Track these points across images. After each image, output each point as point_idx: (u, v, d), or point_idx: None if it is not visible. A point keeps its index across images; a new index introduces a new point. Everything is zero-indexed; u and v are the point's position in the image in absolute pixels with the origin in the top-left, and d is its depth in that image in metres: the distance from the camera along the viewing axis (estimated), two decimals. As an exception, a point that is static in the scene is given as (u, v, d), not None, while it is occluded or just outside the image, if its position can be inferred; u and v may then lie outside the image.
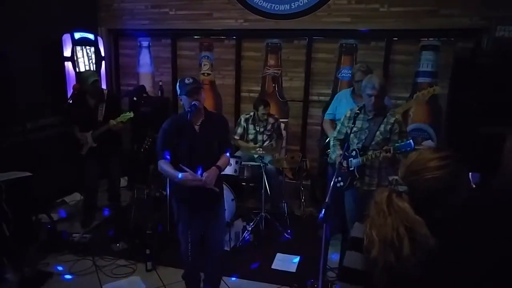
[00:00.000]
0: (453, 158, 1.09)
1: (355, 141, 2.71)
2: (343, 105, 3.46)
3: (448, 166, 1.07)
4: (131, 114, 3.64)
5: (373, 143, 2.64)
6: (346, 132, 2.78)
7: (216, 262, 2.65)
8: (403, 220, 1.04)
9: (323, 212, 2.06)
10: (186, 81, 2.34)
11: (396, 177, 1.15)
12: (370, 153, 2.61)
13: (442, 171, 1.07)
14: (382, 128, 2.63)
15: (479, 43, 3.94)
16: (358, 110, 2.74)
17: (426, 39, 4.18)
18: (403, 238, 1.02)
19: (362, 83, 2.69)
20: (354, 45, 4.41)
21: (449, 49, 4.09)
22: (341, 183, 2.77)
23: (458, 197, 1.06)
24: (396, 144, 2.44)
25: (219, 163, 2.40)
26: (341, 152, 2.74)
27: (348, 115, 2.81)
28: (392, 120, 2.63)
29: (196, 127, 2.38)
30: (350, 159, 2.70)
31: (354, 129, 2.72)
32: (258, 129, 4.12)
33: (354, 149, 2.70)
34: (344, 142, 2.78)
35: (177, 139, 2.34)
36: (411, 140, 2.39)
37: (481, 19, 3.87)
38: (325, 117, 3.68)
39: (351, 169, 2.70)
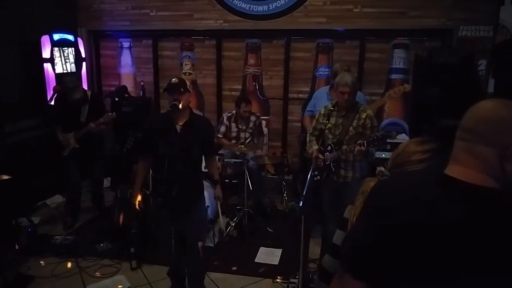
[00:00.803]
0: (436, 151, 1.12)
1: (330, 136, 2.83)
2: (321, 102, 3.57)
3: (429, 160, 1.10)
4: (114, 115, 3.67)
5: (346, 137, 2.76)
6: (321, 128, 2.88)
7: (197, 259, 2.67)
8: None
9: (301, 204, 2.18)
10: (172, 80, 2.41)
11: (382, 169, 1.17)
12: (344, 147, 2.73)
13: (423, 164, 1.10)
14: (354, 123, 2.76)
15: (444, 42, 4.18)
16: (332, 107, 2.85)
17: (402, 38, 4.37)
18: None
19: (335, 81, 2.80)
20: (330, 44, 4.56)
21: (418, 47, 4.29)
22: (318, 177, 2.88)
23: None
24: (370, 138, 2.56)
25: (216, 175, 2.64)
26: (317, 147, 2.85)
27: (322, 112, 2.92)
28: (364, 115, 2.75)
29: (178, 127, 2.42)
30: (326, 154, 2.82)
31: (329, 125, 2.82)
32: (240, 127, 4.20)
33: (329, 144, 2.82)
34: (319, 138, 2.89)
35: (158, 138, 2.39)
36: (382, 134, 2.54)
37: (448, 20, 4.10)
38: (304, 114, 3.80)
39: (327, 163, 2.82)
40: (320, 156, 2.81)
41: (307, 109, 3.76)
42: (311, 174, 2.58)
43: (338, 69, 3.47)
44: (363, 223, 0.96)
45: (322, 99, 3.59)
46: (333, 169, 2.81)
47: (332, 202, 2.92)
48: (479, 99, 0.91)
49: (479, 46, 4.03)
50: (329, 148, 2.81)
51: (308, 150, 2.98)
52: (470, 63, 3.40)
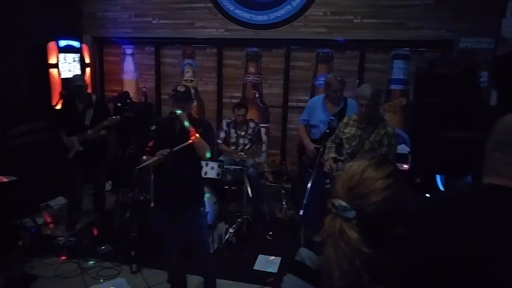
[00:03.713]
0: (395, 175, 1.04)
1: (346, 146, 2.81)
2: (316, 111, 3.62)
3: (393, 185, 1.00)
4: (118, 118, 3.76)
5: (361, 150, 2.72)
6: (341, 137, 2.89)
7: (208, 256, 2.80)
8: (355, 252, 0.92)
9: (301, 213, 2.21)
10: (179, 88, 2.52)
11: (341, 202, 0.98)
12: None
13: (386, 192, 0.99)
14: (372, 137, 2.71)
15: (444, 53, 4.23)
16: (355, 117, 2.82)
17: (402, 48, 4.39)
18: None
19: (356, 92, 2.77)
20: (330, 54, 4.61)
21: (419, 58, 4.34)
22: (329, 185, 2.89)
23: (406, 212, 1.00)
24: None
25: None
26: (334, 155, 2.85)
27: (345, 120, 2.91)
28: (382, 131, 2.69)
29: (177, 130, 2.54)
30: (338, 163, 2.81)
31: (347, 135, 2.82)
32: (239, 133, 4.26)
33: (343, 154, 2.82)
34: (340, 146, 2.91)
35: (159, 139, 2.51)
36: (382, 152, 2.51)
37: (447, 31, 4.14)
38: (299, 123, 3.84)
39: (337, 172, 2.79)
40: (332, 164, 2.80)
41: (302, 117, 3.80)
42: (312, 182, 2.55)
43: (331, 79, 3.51)
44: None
45: (316, 108, 3.62)
46: None
47: None
48: (479, 110, 0.98)
49: (480, 58, 4.04)
50: (342, 157, 2.80)
51: (325, 156, 2.95)
52: (471, 75, 3.43)
